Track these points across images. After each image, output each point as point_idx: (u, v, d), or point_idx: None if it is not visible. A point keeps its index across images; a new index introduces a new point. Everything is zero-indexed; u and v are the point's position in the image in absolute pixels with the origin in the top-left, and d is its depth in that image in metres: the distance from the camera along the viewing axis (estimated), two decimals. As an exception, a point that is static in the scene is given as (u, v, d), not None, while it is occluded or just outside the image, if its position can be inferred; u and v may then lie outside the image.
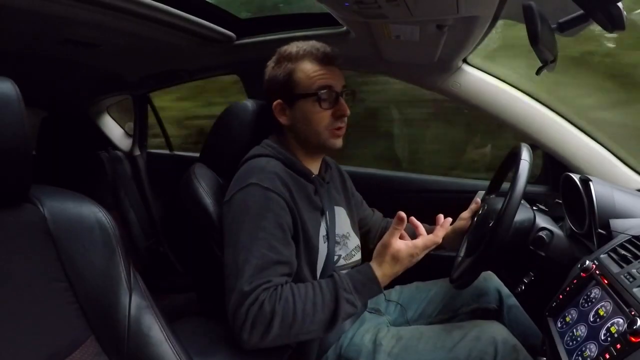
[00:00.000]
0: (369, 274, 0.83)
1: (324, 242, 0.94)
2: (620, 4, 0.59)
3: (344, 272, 0.87)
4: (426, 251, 0.86)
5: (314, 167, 1.01)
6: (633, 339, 0.59)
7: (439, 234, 0.87)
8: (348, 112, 0.94)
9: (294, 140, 0.98)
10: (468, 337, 0.88)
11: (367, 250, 1.16)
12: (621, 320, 0.64)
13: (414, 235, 0.89)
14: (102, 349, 0.67)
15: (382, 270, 0.84)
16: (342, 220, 1.04)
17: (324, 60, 0.92)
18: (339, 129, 0.95)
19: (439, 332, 0.93)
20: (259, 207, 0.84)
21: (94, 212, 0.69)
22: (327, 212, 0.97)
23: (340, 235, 1.01)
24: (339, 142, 0.96)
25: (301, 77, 0.92)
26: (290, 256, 0.85)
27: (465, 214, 1.12)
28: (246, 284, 0.77)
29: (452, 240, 1.11)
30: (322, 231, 0.94)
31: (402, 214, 0.83)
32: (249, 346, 0.78)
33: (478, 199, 1.13)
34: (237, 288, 0.78)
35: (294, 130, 0.96)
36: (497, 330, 0.89)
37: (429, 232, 0.89)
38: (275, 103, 0.95)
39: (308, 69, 0.92)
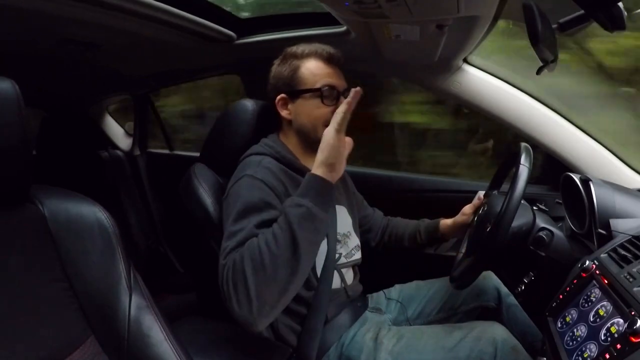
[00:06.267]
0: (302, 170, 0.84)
1: (324, 240, 0.94)
2: (620, 4, 0.59)
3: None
4: (344, 116, 0.81)
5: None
6: (633, 339, 0.59)
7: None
8: None
9: (293, 136, 0.99)
10: (469, 337, 0.88)
11: (367, 249, 1.16)
12: (621, 320, 0.64)
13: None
14: (102, 349, 0.67)
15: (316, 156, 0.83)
16: (343, 219, 1.04)
17: (328, 59, 0.96)
18: None
19: (440, 331, 0.93)
20: (250, 194, 0.85)
21: (94, 212, 0.69)
22: None
23: (342, 234, 1.01)
24: None
25: (306, 73, 0.95)
26: None
27: (468, 209, 1.13)
28: (224, 257, 0.78)
29: (453, 232, 1.14)
30: None
31: None
32: (243, 316, 0.74)
33: (481, 194, 1.13)
34: (219, 264, 0.78)
35: (294, 124, 0.98)
36: (497, 331, 0.89)
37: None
38: (278, 97, 0.98)
39: (313, 66, 0.96)
